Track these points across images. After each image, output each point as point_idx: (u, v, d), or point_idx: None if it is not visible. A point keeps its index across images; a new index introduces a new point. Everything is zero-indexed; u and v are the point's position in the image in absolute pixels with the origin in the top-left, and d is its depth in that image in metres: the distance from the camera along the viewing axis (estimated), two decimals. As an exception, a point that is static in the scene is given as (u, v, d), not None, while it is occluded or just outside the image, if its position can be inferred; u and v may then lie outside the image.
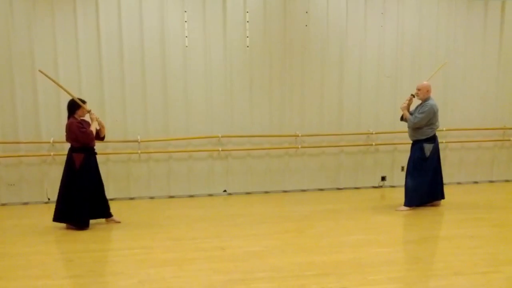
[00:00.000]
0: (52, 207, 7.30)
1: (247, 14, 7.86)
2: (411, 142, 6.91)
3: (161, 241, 5.41)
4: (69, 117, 5.94)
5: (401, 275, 4.33)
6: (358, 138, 8.49)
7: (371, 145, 8.49)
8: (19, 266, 4.61)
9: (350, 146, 8.46)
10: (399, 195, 7.04)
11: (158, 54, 7.64)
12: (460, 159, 8.95)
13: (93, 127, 5.95)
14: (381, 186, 8.65)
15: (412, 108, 6.89)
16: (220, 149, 7.96)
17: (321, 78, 8.22)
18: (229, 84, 7.93)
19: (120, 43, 7.51)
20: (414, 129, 6.72)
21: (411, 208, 6.77)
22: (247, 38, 7.91)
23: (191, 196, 8.05)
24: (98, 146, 7.25)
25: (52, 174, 7.59)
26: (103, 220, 6.26)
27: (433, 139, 6.72)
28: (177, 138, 7.82)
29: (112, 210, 6.29)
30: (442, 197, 7.04)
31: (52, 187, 7.61)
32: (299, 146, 8.25)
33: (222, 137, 7.95)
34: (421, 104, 6.72)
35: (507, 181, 9.13)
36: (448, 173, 8.81)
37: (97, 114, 7.28)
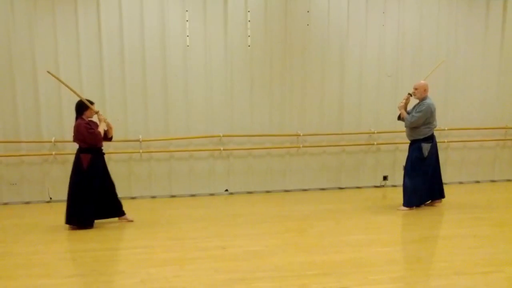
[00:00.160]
0: (54, 206, 7.40)
1: (248, 13, 7.86)
2: (406, 142, 6.89)
3: (163, 241, 5.41)
4: (77, 118, 5.95)
5: (402, 274, 4.32)
6: (359, 137, 8.49)
7: (373, 144, 8.49)
8: (20, 265, 4.61)
9: (352, 145, 8.46)
10: (401, 194, 7.03)
11: (159, 53, 7.65)
12: (462, 158, 8.94)
13: (101, 128, 5.97)
14: (382, 186, 8.65)
15: (410, 107, 6.88)
16: (221, 148, 7.97)
17: (322, 77, 8.21)
18: (230, 83, 7.93)
19: (121, 43, 7.52)
20: (412, 128, 6.69)
21: (411, 208, 6.75)
22: (249, 38, 7.90)
23: (193, 195, 8.06)
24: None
25: (54, 174, 7.61)
26: (113, 219, 6.26)
27: (431, 139, 6.69)
28: (178, 137, 7.82)
29: (113, 210, 6.30)
30: (442, 196, 7.01)
31: (53, 187, 7.64)
32: (300, 146, 8.25)
33: (223, 136, 7.95)
34: (418, 103, 6.70)
35: (508, 180, 9.12)
36: (449, 172, 8.84)
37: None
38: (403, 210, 6.72)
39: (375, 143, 8.49)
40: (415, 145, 6.72)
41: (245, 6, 7.83)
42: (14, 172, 7.53)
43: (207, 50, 7.80)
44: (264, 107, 8.09)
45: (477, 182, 9.04)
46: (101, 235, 5.70)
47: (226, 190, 8.20)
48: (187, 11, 7.67)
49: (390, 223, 6.23)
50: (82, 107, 5.92)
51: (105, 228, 5.99)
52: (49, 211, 7.16)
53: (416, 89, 6.68)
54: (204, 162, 8.04)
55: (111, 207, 6.18)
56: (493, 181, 9.10)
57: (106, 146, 7.43)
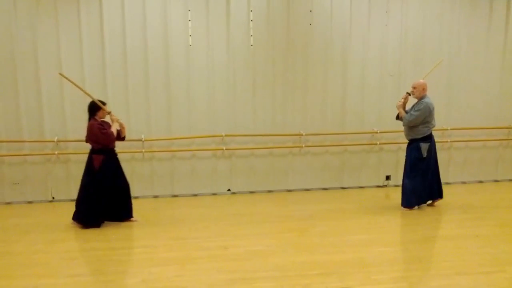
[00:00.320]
0: (57, 205, 7.43)
1: (251, 13, 7.85)
2: (407, 141, 6.87)
3: (164, 240, 5.41)
4: (89, 118, 6.01)
5: (404, 274, 4.31)
6: (362, 137, 8.47)
7: (375, 144, 8.47)
8: (22, 265, 4.63)
9: (354, 145, 8.44)
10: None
11: (162, 53, 7.65)
12: (465, 158, 8.92)
13: (114, 128, 6.02)
14: (385, 186, 8.63)
15: (408, 107, 6.85)
16: (223, 148, 7.96)
17: (325, 77, 8.20)
18: (232, 83, 7.92)
19: (123, 42, 7.52)
20: (410, 127, 6.66)
21: (412, 208, 6.73)
22: (251, 37, 7.90)
23: (195, 195, 8.06)
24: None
25: (56, 173, 7.62)
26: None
27: (429, 138, 6.65)
28: (180, 137, 7.82)
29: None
30: (440, 196, 6.97)
31: (56, 186, 7.65)
32: (303, 145, 8.24)
33: (225, 136, 7.94)
34: (417, 102, 6.68)
35: (511, 180, 9.09)
36: (452, 172, 8.83)
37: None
38: (404, 210, 6.69)
39: (378, 142, 8.47)
40: (413, 145, 6.69)
41: (247, 6, 7.82)
42: (16, 172, 7.54)
43: (210, 49, 7.80)
44: (266, 106, 8.08)
45: (480, 182, 9.02)
46: (102, 235, 5.71)
47: (228, 189, 8.20)
48: (189, 10, 7.67)
49: (392, 223, 6.22)
50: (94, 108, 5.99)
51: (107, 228, 5.99)
52: (51, 211, 7.16)
53: (414, 88, 6.65)
54: (206, 161, 8.04)
55: (122, 208, 6.21)
56: (496, 181, 9.07)
57: (108, 146, 7.47)
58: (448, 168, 8.83)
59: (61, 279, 4.24)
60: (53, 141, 7.49)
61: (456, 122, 8.69)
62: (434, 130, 8.01)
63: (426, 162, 6.66)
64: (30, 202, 7.61)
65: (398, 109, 6.84)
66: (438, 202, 7.02)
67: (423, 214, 6.58)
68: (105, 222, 6.15)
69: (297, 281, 4.10)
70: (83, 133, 7.44)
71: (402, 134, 7.09)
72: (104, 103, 6.06)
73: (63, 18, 7.35)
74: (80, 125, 7.49)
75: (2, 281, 4.20)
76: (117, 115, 7.41)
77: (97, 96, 7.34)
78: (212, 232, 5.72)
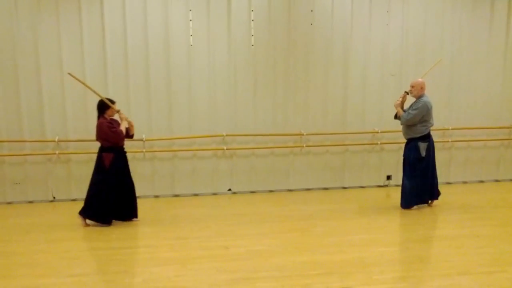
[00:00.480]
0: (57, 205, 7.43)
1: (252, 12, 7.84)
2: (405, 140, 6.84)
3: (165, 240, 5.41)
4: (99, 117, 6.04)
5: (405, 274, 4.31)
6: (363, 136, 8.47)
7: (376, 144, 8.46)
8: (23, 265, 4.63)
9: (355, 145, 8.44)
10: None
11: (163, 53, 7.65)
12: (466, 158, 8.91)
13: (123, 126, 6.07)
14: (386, 185, 8.62)
15: (406, 106, 6.84)
16: (224, 148, 7.96)
17: (326, 77, 8.20)
18: (233, 82, 7.92)
19: (124, 42, 7.52)
20: (408, 126, 6.64)
21: (411, 208, 6.72)
22: (252, 37, 7.89)
23: (196, 194, 8.06)
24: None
25: (57, 173, 7.62)
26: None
27: (427, 138, 6.64)
28: (181, 137, 7.82)
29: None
30: (436, 197, 6.95)
31: (57, 186, 7.65)
32: (304, 145, 8.23)
33: (226, 136, 7.94)
34: (415, 101, 6.66)
35: (513, 180, 9.11)
36: (453, 172, 8.84)
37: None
38: (403, 211, 6.68)
39: (379, 142, 8.47)
40: (411, 144, 6.67)
41: (248, 5, 7.82)
42: (17, 172, 7.54)
43: (211, 49, 7.80)
44: (267, 106, 8.08)
45: (481, 181, 9.01)
46: (103, 234, 5.71)
47: (229, 189, 8.20)
48: (190, 10, 7.67)
49: (393, 223, 6.22)
50: (103, 107, 6.02)
51: (108, 228, 5.99)
52: (52, 211, 7.16)
53: (412, 87, 6.64)
54: (207, 161, 8.04)
55: (128, 208, 6.24)
56: (497, 180, 9.06)
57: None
58: (449, 168, 8.83)
59: (62, 279, 4.24)
60: (54, 141, 7.49)
61: (457, 122, 8.69)
62: (435, 129, 8.02)
63: (425, 162, 6.64)
64: (31, 202, 7.61)
65: (396, 108, 6.83)
66: (436, 202, 7.00)
67: (424, 214, 6.57)
68: (92, 223, 6.16)
69: (297, 281, 4.10)
70: (84, 133, 7.50)
71: (403, 134, 7.08)
72: (113, 102, 6.10)
73: (64, 18, 7.35)
74: (81, 125, 7.53)
75: (2, 281, 4.20)
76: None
77: (97, 96, 7.37)
78: (213, 232, 5.72)
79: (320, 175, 8.45)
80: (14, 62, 7.29)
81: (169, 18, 7.58)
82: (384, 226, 5.99)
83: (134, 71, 7.60)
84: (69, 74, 6.08)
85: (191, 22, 7.70)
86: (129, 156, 7.58)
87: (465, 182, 8.92)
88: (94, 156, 7.50)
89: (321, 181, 8.47)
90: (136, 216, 6.29)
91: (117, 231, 5.83)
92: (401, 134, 7.05)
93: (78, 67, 7.41)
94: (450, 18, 8.48)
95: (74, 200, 7.70)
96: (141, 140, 7.63)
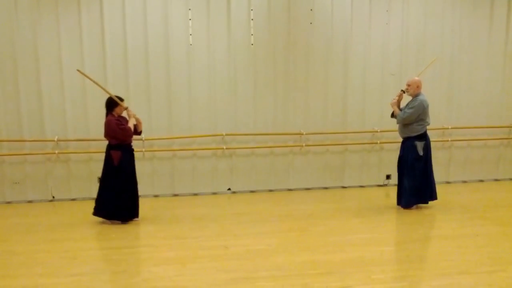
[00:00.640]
0: (57, 205, 7.42)
1: (251, 12, 7.84)
2: (398, 139, 6.82)
3: (165, 240, 5.41)
4: (107, 114, 6.06)
5: (405, 274, 4.30)
6: (362, 136, 8.46)
7: (376, 143, 8.46)
8: (23, 264, 4.62)
9: (355, 144, 8.43)
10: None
11: (162, 52, 7.64)
12: (466, 157, 8.90)
13: (131, 123, 6.09)
14: (385, 185, 8.61)
15: (403, 105, 6.82)
16: (224, 147, 7.96)
17: (326, 76, 8.19)
18: (233, 82, 7.91)
19: (124, 42, 7.51)
20: (404, 125, 6.62)
21: (411, 208, 6.71)
22: (252, 36, 7.89)
23: (195, 194, 8.05)
24: (102, 144, 7.28)
25: (57, 172, 7.62)
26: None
27: (424, 137, 6.61)
28: (181, 136, 7.82)
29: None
30: (435, 197, 6.91)
31: (56, 185, 7.64)
32: (304, 144, 8.23)
33: (226, 135, 7.94)
34: (411, 100, 6.64)
35: (513, 179, 9.11)
36: (453, 171, 8.84)
37: (101, 112, 7.33)
38: (403, 210, 6.67)
39: (379, 142, 8.46)
40: (408, 144, 6.64)
41: (248, 5, 7.81)
42: (17, 171, 7.53)
43: (210, 48, 7.79)
44: (267, 105, 8.07)
45: (481, 181, 9.00)
46: (103, 234, 5.71)
47: (229, 189, 8.19)
48: (190, 9, 7.66)
49: (393, 222, 6.22)
50: (112, 104, 6.05)
51: (107, 227, 5.99)
52: (52, 210, 7.16)
53: (409, 85, 6.61)
54: (207, 161, 8.03)
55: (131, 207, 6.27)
56: (497, 180, 9.06)
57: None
58: (449, 167, 8.83)
59: (62, 279, 4.24)
60: (54, 141, 7.49)
61: (457, 121, 8.69)
62: (434, 129, 8.05)
63: (424, 161, 6.62)
64: (30, 202, 7.60)
65: (392, 106, 6.80)
66: (436, 202, 6.98)
67: (423, 213, 6.57)
68: (104, 221, 6.16)
69: (297, 281, 4.09)
70: (83, 133, 7.50)
71: (403, 133, 7.08)
72: (121, 99, 6.12)
73: (64, 18, 7.34)
74: (80, 124, 7.53)
75: (3, 281, 4.19)
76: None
77: (97, 96, 7.36)
78: (213, 232, 5.72)
79: (320, 174, 8.45)
80: (13, 61, 7.28)
81: (168, 17, 7.58)
82: (384, 226, 6.00)
83: (134, 71, 7.59)
84: (78, 71, 6.11)
85: (190, 22, 7.69)
86: (128, 155, 7.64)
87: (465, 182, 8.92)
88: (94, 156, 7.58)
89: (320, 180, 8.46)
90: (137, 216, 6.29)
91: (117, 231, 5.83)
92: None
93: (77, 67, 7.37)
94: (450, 18, 8.47)
95: (73, 199, 7.69)
96: (141, 139, 7.61)
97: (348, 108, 8.32)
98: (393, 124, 7.99)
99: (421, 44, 8.41)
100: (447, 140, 8.66)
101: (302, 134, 8.17)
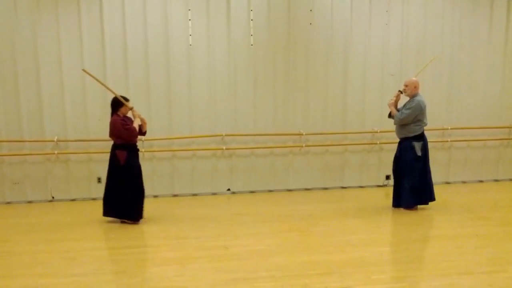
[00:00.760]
0: (56, 205, 7.42)
1: (251, 12, 7.84)
2: (398, 140, 6.79)
3: (165, 240, 5.41)
4: (112, 114, 6.06)
5: (404, 274, 4.30)
6: (362, 136, 8.46)
7: (376, 143, 8.46)
8: (22, 264, 4.62)
9: (355, 144, 8.43)
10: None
11: (162, 52, 7.64)
12: (466, 157, 8.90)
13: (136, 123, 6.10)
14: (385, 185, 8.61)
15: (400, 105, 6.81)
16: (224, 147, 7.96)
17: (325, 76, 8.19)
18: (233, 82, 7.92)
19: (124, 42, 7.52)
20: (401, 126, 6.59)
21: (412, 209, 6.70)
22: (251, 37, 7.89)
23: (195, 194, 8.05)
24: (102, 145, 7.30)
25: (56, 173, 7.62)
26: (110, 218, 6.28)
27: (421, 137, 6.58)
28: (181, 136, 7.82)
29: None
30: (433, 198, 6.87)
31: (56, 186, 7.64)
32: (303, 145, 8.23)
33: (226, 135, 7.94)
34: (408, 100, 6.61)
35: (512, 180, 9.11)
36: (453, 172, 8.84)
37: (101, 112, 7.35)
38: (403, 210, 6.66)
39: (378, 142, 8.46)
40: (406, 144, 6.59)
41: (248, 5, 7.81)
42: (16, 171, 7.54)
43: (210, 49, 7.79)
44: (267, 106, 8.07)
45: (481, 181, 9.01)
46: (102, 234, 5.71)
47: (229, 189, 8.19)
48: (189, 10, 7.66)
49: (392, 222, 6.22)
50: (117, 104, 6.06)
51: (107, 227, 5.99)
52: (51, 210, 7.16)
53: (406, 86, 6.59)
54: (206, 161, 8.03)
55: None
56: (496, 180, 9.06)
57: (108, 145, 7.46)
58: (449, 168, 8.83)
59: (62, 279, 4.24)
60: (53, 141, 7.49)
61: (457, 122, 8.69)
62: (434, 129, 8.05)
63: (422, 161, 6.59)
64: (30, 202, 7.60)
65: (389, 107, 6.77)
66: (436, 202, 6.97)
67: (423, 213, 6.57)
68: (104, 221, 6.16)
69: (297, 281, 4.09)
70: (83, 133, 7.50)
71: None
72: (127, 99, 6.12)
73: (63, 18, 7.35)
74: (80, 124, 7.53)
75: (2, 281, 4.19)
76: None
77: (97, 96, 7.39)
78: (213, 232, 5.72)
79: (320, 175, 8.44)
80: (13, 62, 7.28)
81: (168, 17, 7.58)
82: (384, 226, 6.00)
83: (134, 71, 7.60)
84: (83, 70, 6.11)
85: (190, 22, 7.70)
86: (128, 156, 7.64)
87: (464, 182, 8.92)
88: (94, 156, 7.58)
89: (320, 181, 8.46)
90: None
91: (117, 231, 5.83)
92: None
93: (77, 67, 7.40)
94: (450, 18, 8.47)
95: (73, 200, 7.69)
96: (140, 139, 7.60)
97: (348, 109, 8.33)
98: (393, 125, 8.00)
99: (421, 44, 8.42)
100: (447, 141, 8.66)
101: (302, 134, 8.17)
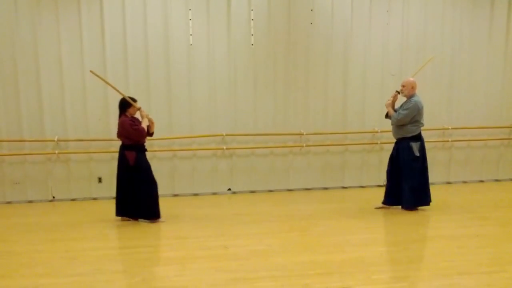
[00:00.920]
0: (57, 205, 7.42)
1: (251, 12, 7.84)
2: (395, 140, 6.75)
3: (165, 240, 5.41)
4: (120, 115, 6.09)
5: (405, 274, 4.29)
6: (363, 136, 8.46)
7: (376, 143, 8.46)
8: (23, 264, 4.62)
9: (355, 144, 8.43)
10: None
11: (162, 52, 7.65)
12: (466, 157, 8.91)
13: (144, 124, 6.12)
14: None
15: (397, 105, 6.80)
16: (224, 147, 7.96)
17: (326, 76, 8.19)
18: (233, 82, 7.92)
19: (124, 42, 7.52)
20: (398, 126, 6.55)
21: (412, 209, 6.68)
22: (252, 36, 7.89)
23: (195, 194, 8.06)
24: (102, 144, 7.30)
25: (57, 172, 7.63)
26: (110, 218, 6.29)
27: (419, 137, 6.55)
28: (181, 136, 7.82)
29: (116, 209, 6.32)
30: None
31: (56, 185, 7.64)
32: (304, 145, 8.23)
33: (226, 135, 7.94)
34: (406, 101, 6.59)
35: (513, 180, 9.10)
36: (453, 171, 8.84)
37: (102, 112, 7.36)
38: (404, 211, 6.65)
39: (379, 142, 8.46)
40: (403, 145, 6.55)
41: (248, 5, 7.82)
42: (17, 171, 7.54)
43: (210, 49, 7.80)
44: (267, 106, 8.08)
45: (481, 181, 9.01)
46: (102, 234, 5.70)
47: (229, 189, 8.19)
48: (190, 9, 7.67)
49: (393, 222, 6.21)
50: (125, 105, 6.08)
51: (107, 227, 5.99)
52: (52, 210, 7.16)
53: (403, 86, 6.55)
54: (207, 161, 8.04)
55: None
56: (497, 180, 9.06)
57: (108, 145, 7.48)
58: (449, 168, 8.83)
59: (62, 279, 4.23)
60: (54, 141, 7.49)
61: (457, 122, 8.69)
62: (435, 129, 8.04)
63: (421, 161, 6.57)
64: (30, 202, 7.61)
65: (387, 107, 6.73)
66: (435, 202, 6.94)
67: (423, 213, 6.56)
68: (104, 221, 6.17)
69: (297, 281, 4.09)
70: (83, 133, 7.50)
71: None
72: (135, 100, 6.14)
73: (63, 18, 7.35)
74: (80, 124, 7.53)
75: (2, 281, 4.19)
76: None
77: (98, 96, 7.40)
78: (213, 232, 5.71)
79: (320, 174, 8.45)
80: (13, 61, 7.29)
81: (168, 17, 7.58)
82: (384, 226, 5.99)
83: (134, 71, 7.60)
84: (91, 72, 6.11)
85: (190, 22, 7.70)
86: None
87: (465, 182, 8.92)
88: (94, 156, 7.59)
89: (321, 180, 8.46)
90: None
91: (117, 231, 5.83)
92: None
93: (77, 67, 7.42)
94: (450, 18, 8.47)
95: (73, 199, 7.70)
96: (142, 139, 7.63)
97: (348, 108, 8.33)
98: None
99: (421, 44, 8.42)
100: (447, 141, 8.66)
101: (302, 134, 8.17)
